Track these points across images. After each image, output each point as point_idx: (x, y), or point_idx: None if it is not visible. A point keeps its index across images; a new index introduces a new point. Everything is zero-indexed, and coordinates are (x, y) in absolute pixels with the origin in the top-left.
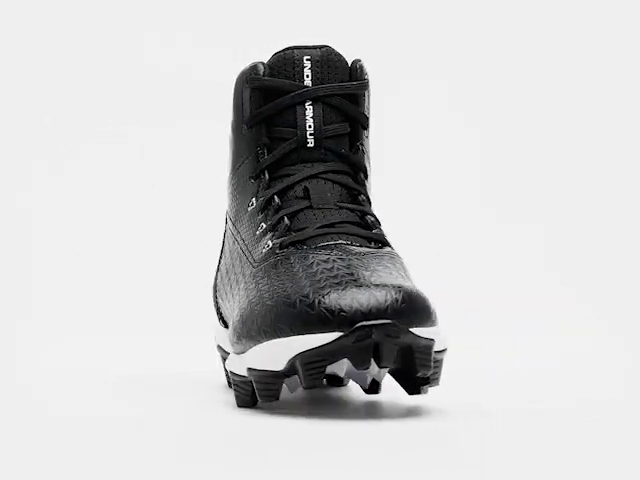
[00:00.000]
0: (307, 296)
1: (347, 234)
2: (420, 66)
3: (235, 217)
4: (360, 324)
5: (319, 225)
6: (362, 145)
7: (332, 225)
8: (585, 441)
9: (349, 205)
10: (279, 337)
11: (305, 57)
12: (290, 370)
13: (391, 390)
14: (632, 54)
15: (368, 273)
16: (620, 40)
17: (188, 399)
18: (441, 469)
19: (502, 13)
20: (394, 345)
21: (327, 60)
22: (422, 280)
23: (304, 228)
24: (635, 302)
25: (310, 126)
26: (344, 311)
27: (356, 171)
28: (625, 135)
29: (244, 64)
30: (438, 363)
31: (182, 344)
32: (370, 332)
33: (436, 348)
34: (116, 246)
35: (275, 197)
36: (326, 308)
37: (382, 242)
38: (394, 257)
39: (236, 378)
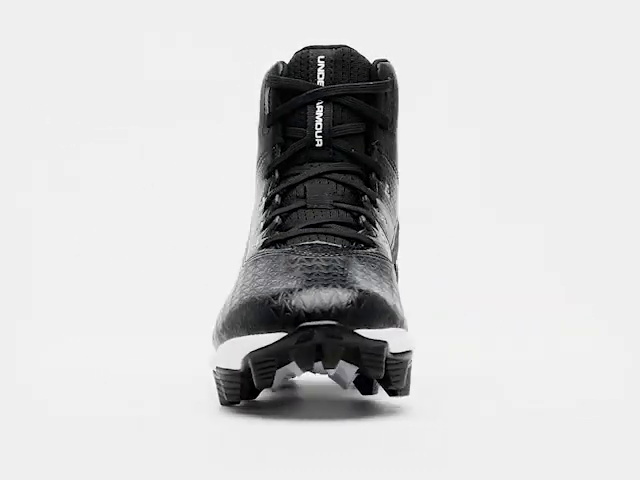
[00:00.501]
0: (261, 296)
1: (329, 234)
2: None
3: (251, 216)
4: (303, 324)
5: (305, 225)
6: (379, 145)
7: (319, 225)
8: (585, 441)
9: (346, 205)
10: (238, 336)
11: (319, 57)
12: (245, 369)
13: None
14: (630, 54)
15: (327, 275)
16: (619, 41)
17: (188, 399)
18: (440, 469)
19: (509, 15)
20: (338, 346)
21: (342, 60)
22: (422, 280)
23: (291, 227)
24: (635, 302)
25: (319, 126)
26: (289, 311)
27: (367, 171)
28: (624, 135)
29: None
30: (400, 365)
31: (182, 344)
32: (312, 333)
33: (394, 350)
34: (116, 246)
35: (277, 196)
36: (273, 308)
37: (365, 243)
38: (372, 258)
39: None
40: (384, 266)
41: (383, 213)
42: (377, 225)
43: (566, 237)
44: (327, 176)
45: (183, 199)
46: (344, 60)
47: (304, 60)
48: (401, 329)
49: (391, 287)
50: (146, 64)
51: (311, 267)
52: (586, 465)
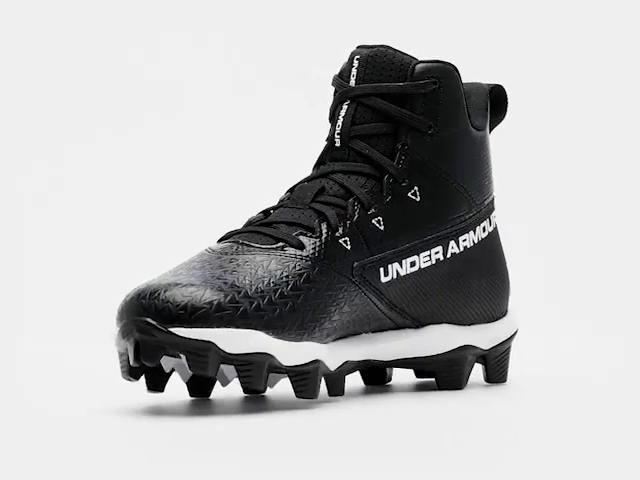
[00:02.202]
0: (136, 289)
1: (256, 233)
2: None
3: None
4: (125, 321)
5: (258, 223)
6: (407, 148)
7: (268, 225)
8: (586, 441)
9: (321, 206)
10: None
11: (356, 57)
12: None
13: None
14: (629, 55)
15: (193, 273)
16: (619, 42)
17: (186, 398)
18: (439, 469)
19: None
20: (155, 343)
21: (374, 60)
22: None
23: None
24: (635, 302)
25: (339, 126)
26: (119, 306)
27: (382, 173)
28: (623, 135)
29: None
30: (249, 366)
31: None
32: (131, 329)
33: (229, 350)
34: (115, 246)
35: (286, 194)
36: (125, 302)
37: (287, 242)
38: (285, 259)
39: None
40: (268, 267)
41: (382, 217)
42: (347, 228)
43: (566, 237)
44: (331, 176)
45: (183, 199)
46: (376, 60)
47: (348, 59)
48: (225, 330)
49: (277, 290)
50: (146, 64)
51: (190, 267)
52: (586, 466)
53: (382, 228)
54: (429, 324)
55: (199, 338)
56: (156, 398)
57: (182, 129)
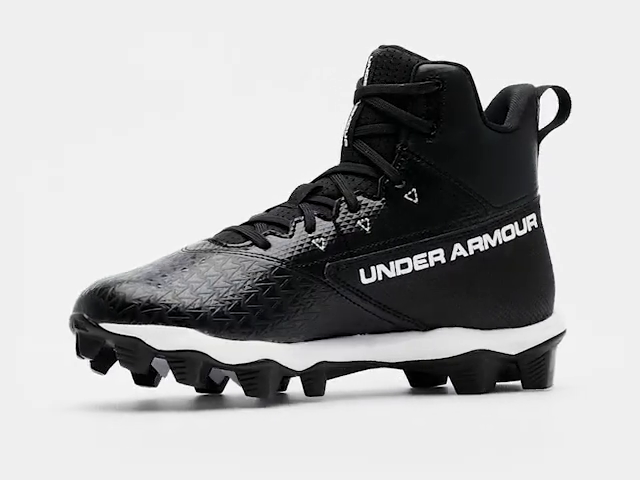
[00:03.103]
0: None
1: (233, 231)
2: None
3: None
4: (71, 314)
5: (243, 222)
6: (406, 149)
7: (250, 223)
8: (586, 441)
9: (305, 205)
10: None
11: (370, 56)
12: None
13: (384, 386)
14: (628, 56)
15: (148, 270)
16: (618, 43)
17: (186, 398)
18: (437, 470)
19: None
20: (90, 337)
21: (382, 60)
22: None
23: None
24: (635, 302)
25: (347, 126)
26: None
27: (380, 174)
28: (622, 136)
29: None
30: (181, 363)
31: None
32: (71, 323)
33: (159, 347)
34: (116, 246)
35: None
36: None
37: (253, 241)
38: (224, 256)
39: None
40: (249, 266)
41: (370, 218)
42: (325, 229)
43: (566, 237)
44: (332, 176)
45: (182, 199)
46: (384, 61)
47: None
48: (174, 327)
49: (224, 289)
50: (146, 64)
51: (152, 264)
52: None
53: (368, 229)
54: (439, 327)
55: (125, 334)
56: (156, 397)
57: (182, 129)
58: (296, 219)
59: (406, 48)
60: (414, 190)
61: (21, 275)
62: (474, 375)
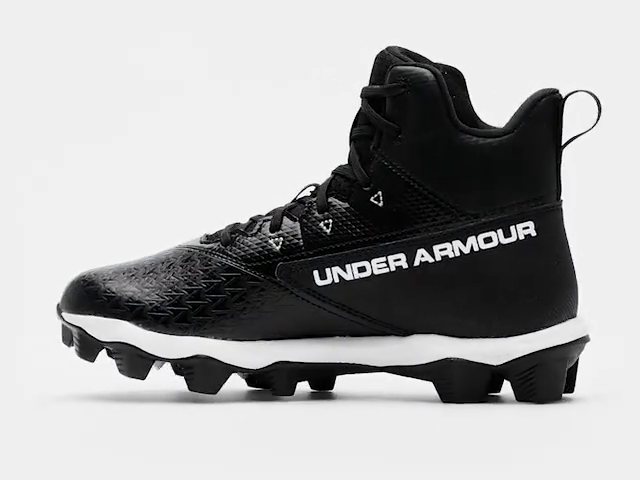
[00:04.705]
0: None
1: (216, 232)
2: None
3: None
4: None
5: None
6: (377, 152)
7: (251, 219)
8: (586, 441)
9: (289, 205)
10: None
11: (374, 58)
12: None
13: (384, 385)
14: (628, 56)
15: (128, 266)
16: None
17: (184, 397)
18: (437, 469)
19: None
20: (63, 326)
21: (377, 62)
22: None
23: None
24: (635, 302)
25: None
26: None
27: (356, 175)
28: (622, 135)
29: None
30: (120, 355)
31: None
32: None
33: (99, 338)
34: (116, 246)
35: None
36: None
37: (219, 239)
38: (187, 254)
39: None
40: (205, 263)
41: (333, 220)
42: (286, 229)
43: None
44: (330, 176)
45: (181, 200)
46: (377, 62)
47: None
48: (111, 319)
49: (165, 285)
50: (146, 64)
51: (135, 261)
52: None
53: (328, 231)
54: (415, 333)
55: (73, 323)
56: (156, 396)
57: (182, 129)
58: (264, 218)
59: (408, 49)
60: (380, 193)
61: (21, 274)
62: (448, 383)
